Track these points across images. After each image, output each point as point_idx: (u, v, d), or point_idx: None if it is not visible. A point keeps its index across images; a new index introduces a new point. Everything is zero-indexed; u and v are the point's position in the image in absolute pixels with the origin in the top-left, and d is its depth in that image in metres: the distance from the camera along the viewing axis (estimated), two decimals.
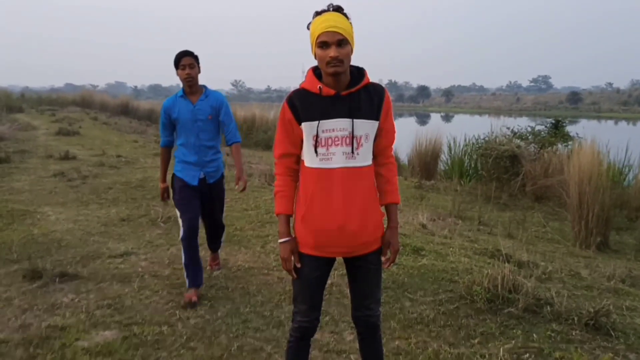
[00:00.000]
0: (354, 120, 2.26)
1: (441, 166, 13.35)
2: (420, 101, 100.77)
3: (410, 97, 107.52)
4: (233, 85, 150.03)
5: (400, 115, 58.32)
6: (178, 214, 4.02)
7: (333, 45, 2.17)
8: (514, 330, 3.45)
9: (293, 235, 2.42)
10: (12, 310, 3.80)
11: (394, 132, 2.45)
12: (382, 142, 2.41)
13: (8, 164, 10.31)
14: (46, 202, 7.22)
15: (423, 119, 49.17)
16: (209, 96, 4.05)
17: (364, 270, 2.44)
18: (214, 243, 4.59)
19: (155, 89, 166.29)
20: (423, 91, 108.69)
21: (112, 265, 4.72)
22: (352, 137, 2.26)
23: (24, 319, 3.67)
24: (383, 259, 2.45)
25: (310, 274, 2.42)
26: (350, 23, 2.24)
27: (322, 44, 2.18)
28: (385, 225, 2.46)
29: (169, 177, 4.21)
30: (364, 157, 2.31)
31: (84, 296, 4.05)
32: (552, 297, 3.76)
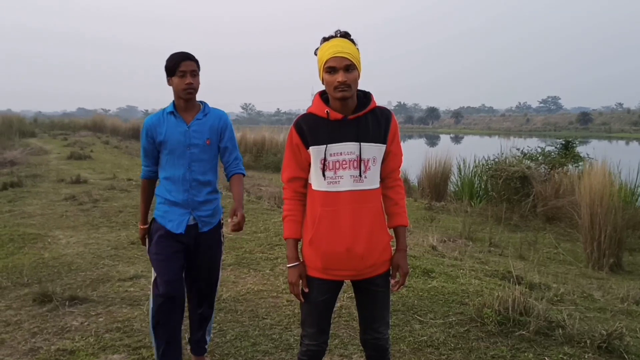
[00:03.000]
0: (362, 143, 2.28)
1: (451, 187, 13.32)
2: (430, 123, 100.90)
3: (419, 118, 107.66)
4: (243, 108, 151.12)
5: (410, 137, 58.36)
6: (153, 274, 3.02)
7: (341, 70, 2.20)
8: (526, 354, 3.40)
9: (302, 260, 2.42)
10: (22, 334, 3.80)
11: (401, 154, 2.47)
12: (390, 165, 2.43)
13: (20, 188, 10.41)
14: (57, 226, 7.27)
15: (432, 141, 49.15)
16: (208, 115, 3.03)
17: (372, 294, 2.44)
18: (198, 339, 3.30)
19: None
20: (432, 113, 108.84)
21: (121, 289, 4.72)
22: (360, 160, 2.28)
23: (34, 342, 3.68)
24: (392, 281, 2.45)
25: (318, 298, 2.41)
26: (358, 49, 2.29)
27: (330, 69, 2.22)
28: (393, 248, 2.46)
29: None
30: (372, 180, 2.32)
31: (93, 319, 4.05)
32: (564, 319, 3.71)
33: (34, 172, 12.93)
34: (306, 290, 2.38)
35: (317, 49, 2.30)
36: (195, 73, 2.90)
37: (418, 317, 4.02)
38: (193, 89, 2.90)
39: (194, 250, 3.06)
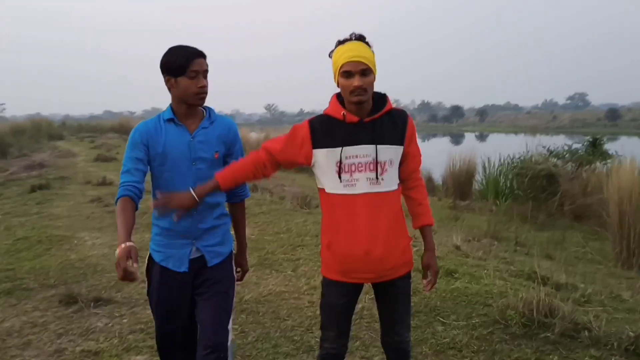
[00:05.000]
0: (378, 146, 2.26)
1: (476, 186, 13.20)
2: (454, 121, 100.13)
3: (443, 117, 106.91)
4: (266, 109, 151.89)
5: (434, 136, 57.99)
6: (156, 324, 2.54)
7: (357, 74, 2.19)
8: (550, 356, 3.34)
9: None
10: (48, 335, 3.87)
11: (420, 155, 2.46)
12: (409, 166, 2.42)
13: (48, 190, 10.60)
14: (83, 228, 7.37)
15: (457, 139, 48.75)
16: (215, 123, 2.45)
17: (393, 296, 2.42)
18: None
19: None
20: (456, 111, 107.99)
21: (145, 290, 4.76)
22: (376, 162, 2.26)
23: (59, 343, 3.73)
24: (424, 282, 2.46)
25: (337, 300, 2.41)
26: (373, 51, 2.27)
27: (346, 73, 2.20)
28: (416, 249, 2.45)
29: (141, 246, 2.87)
30: (389, 183, 2.31)
31: (117, 321, 4.10)
32: (590, 321, 3.63)
33: (62, 174, 13.15)
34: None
35: (331, 51, 2.29)
36: (207, 73, 2.37)
37: (440, 319, 3.97)
38: (206, 92, 2.37)
39: (202, 288, 2.44)
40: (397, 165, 2.35)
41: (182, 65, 2.28)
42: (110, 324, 4.04)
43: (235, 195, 2.59)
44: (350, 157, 2.26)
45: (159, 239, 2.45)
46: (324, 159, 2.29)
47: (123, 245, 2.04)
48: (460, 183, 12.72)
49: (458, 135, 59.50)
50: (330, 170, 2.28)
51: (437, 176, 14.23)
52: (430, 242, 2.46)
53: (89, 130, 36.27)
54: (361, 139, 2.26)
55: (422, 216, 2.46)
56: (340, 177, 2.26)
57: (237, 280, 2.60)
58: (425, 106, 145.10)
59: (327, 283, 2.42)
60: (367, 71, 2.20)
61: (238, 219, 2.65)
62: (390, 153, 2.30)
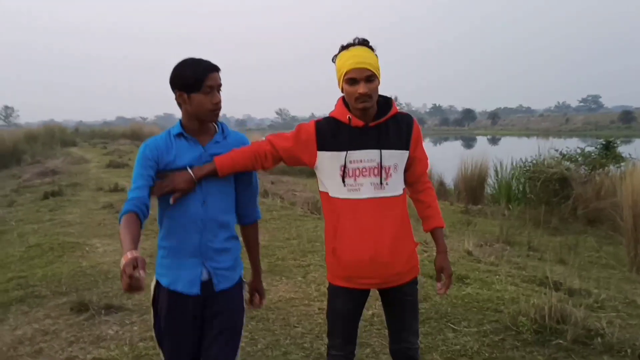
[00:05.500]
0: (382, 150, 2.25)
1: (488, 190, 13.10)
2: (466, 124, 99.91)
3: (455, 120, 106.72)
4: (277, 114, 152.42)
5: (446, 139, 57.81)
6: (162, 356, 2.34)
7: (362, 81, 2.18)
8: None
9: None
10: (59, 343, 3.88)
11: (427, 158, 2.45)
12: (417, 169, 2.42)
13: (61, 197, 10.68)
14: (95, 234, 7.41)
15: (468, 142, 48.56)
16: (228, 137, 2.33)
17: (400, 302, 2.41)
18: None
19: None
20: (468, 114, 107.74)
21: None
22: (381, 167, 2.25)
23: (70, 351, 3.75)
24: (439, 285, 2.44)
25: (344, 307, 2.40)
26: (376, 55, 2.25)
27: (350, 80, 2.20)
28: (426, 255, 2.43)
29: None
30: (394, 187, 2.29)
31: (128, 328, 4.11)
32: (604, 327, 3.59)
33: (74, 180, 13.26)
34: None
35: (335, 56, 2.28)
36: (220, 87, 2.23)
37: (451, 326, 3.94)
38: (220, 108, 2.23)
39: (210, 315, 2.26)
40: (403, 170, 2.34)
41: (198, 80, 2.14)
42: (121, 332, 4.04)
43: (246, 217, 2.41)
44: (354, 161, 2.25)
45: (167, 262, 2.26)
46: (328, 161, 2.28)
47: (129, 254, 1.87)
48: (472, 187, 12.63)
49: (470, 138, 59.30)
50: (334, 173, 2.27)
51: (449, 180, 14.14)
52: (442, 245, 2.45)
53: (101, 136, 36.59)
54: (366, 144, 2.25)
55: (433, 219, 2.45)
56: (344, 181, 2.25)
57: (257, 307, 2.50)
58: (436, 109, 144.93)
59: (333, 289, 2.41)
60: (371, 77, 2.19)
61: (251, 241, 2.47)
62: (395, 158, 2.29)
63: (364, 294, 2.40)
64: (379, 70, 2.23)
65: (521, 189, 11.93)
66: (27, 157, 19.87)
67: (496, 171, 12.96)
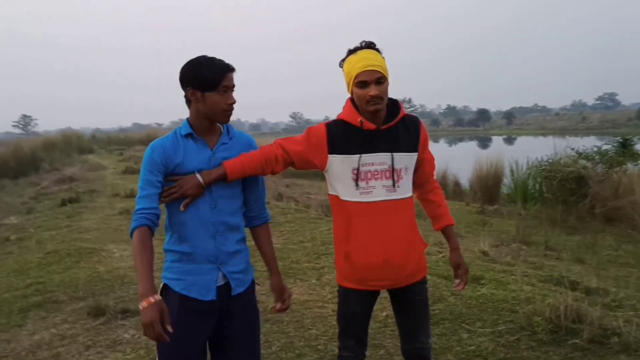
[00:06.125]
0: (394, 154, 2.26)
1: (504, 190, 13.00)
2: (481, 124, 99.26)
3: (470, 121, 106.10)
4: (292, 117, 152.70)
5: (461, 140, 57.50)
6: None
7: (372, 83, 2.18)
8: None
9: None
10: (76, 347, 3.92)
11: (434, 159, 2.49)
12: (426, 170, 2.45)
13: (78, 204, 10.82)
14: (111, 240, 7.48)
15: (484, 143, 48.25)
16: (234, 139, 2.29)
17: (411, 302, 2.42)
18: None
19: None
20: (483, 114, 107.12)
21: None
22: (393, 170, 2.25)
23: (87, 355, 3.79)
24: (456, 281, 2.48)
25: (356, 309, 2.41)
26: (384, 57, 2.26)
27: (361, 83, 2.20)
28: (441, 256, 2.44)
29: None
30: (404, 190, 2.30)
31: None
32: (620, 326, 3.54)
33: (91, 187, 13.40)
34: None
35: (342, 60, 2.29)
36: (234, 89, 2.19)
37: (466, 326, 3.92)
38: (233, 109, 2.19)
39: (227, 322, 2.21)
40: (412, 172, 2.35)
41: (216, 79, 2.08)
42: (137, 336, 4.07)
43: (256, 219, 2.37)
44: (367, 164, 2.25)
45: (178, 266, 2.17)
46: (339, 165, 2.28)
47: (152, 300, 1.87)
48: (487, 187, 12.52)
49: (485, 138, 58.91)
50: (346, 177, 2.27)
51: (464, 181, 14.05)
52: (454, 242, 2.49)
53: (118, 142, 36.90)
54: (378, 147, 2.26)
55: (443, 217, 2.48)
56: (357, 184, 2.26)
57: (285, 307, 2.41)
58: (451, 110, 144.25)
59: (344, 292, 2.42)
60: (381, 79, 2.20)
61: (264, 243, 2.40)
62: (406, 160, 2.30)
63: (374, 295, 2.41)
64: (387, 72, 2.23)
65: (537, 188, 11.83)
66: (46, 165, 20.10)
67: (512, 171, 12.86)
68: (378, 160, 2.25)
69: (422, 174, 2.43)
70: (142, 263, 1.97)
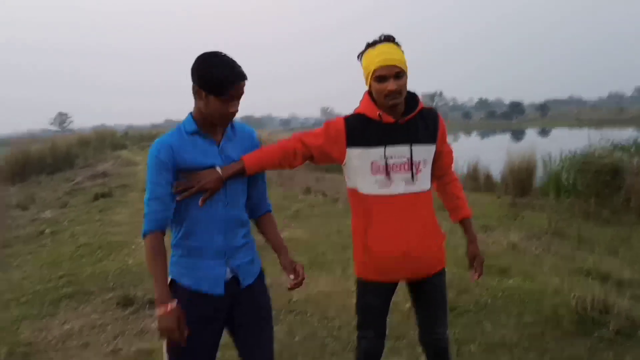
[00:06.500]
0: (413, 146, 2.25)
1: (536, 183, 12.78)
2: (514, 117, 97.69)
3: (502, 113, 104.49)
4: (322, 112, 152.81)
5: (493, 133, 56.70)
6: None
7: (391, 78, 2.17)
8: (605, 354, 3.21)
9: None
10: (105, 336, 4.02)
11: (452, 152, 2.47)
12: (444, 162, 2.44)
13: (110, 198, 11.05)
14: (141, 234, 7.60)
15: (517, 135, 47.46)
16: (236, 131, 2.24)
17: (429, 294, 2.42)
18: None
19: (248, 121, 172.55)
20: (516, 107, 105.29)
21: None
22: (411, 163, 2.25)
23: (116, 344, 3.88)
24: (471, 272, 2.48)
25: (375, 301, 2.41)
26: (403, 51, 2.24)
27: (379, 77, 2.18)
28: (444, 246, 2.45)
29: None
30: (423, 182, 2.30)
31: None
32: None
33: (123, 182, 13.66)
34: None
35: (360, 53, 2.27)
36: (241, 97, 2.11)
37: (490, 317, 3.88)
38: (234, 117, 2.14)
39: (239, 314, 2.21)
40: (430, 165, 2.34)
41: (223, 87, 2.00)
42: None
43: (259, 210, 2.35)
44: (386, 157, 2.24)
45: (186, 261, 2.15)
46: (357, 158, 2.27)
47: (169, 308, 1.93)
48: (520, 180, 12.30)
49: (518, 131, 57.90)
50: (365, 170, 2.27)
51: (496, 173, 13.84)
52: (472, 234, 2.47)
53: (150, 139, 37.42)
54: (397, 140, 2.25)
55: (461, 209, 2.47)
56: (376, 177, 2.25)
57: (298, 283, 2.27)
58: (483, 103, 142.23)
59: (363, 284, 2.42)
60: (400, 74, 2.18)
61: (269, 228, 2.36)
62: (424, 153, 2.29)
63: (393, 286, 2.42)
64: (406, 66, 2.22)
65: (571, 180, 11.60)
66: (80, 161, 20.58)
67: (545, 163, 12.63)
68: (397, 153, 2.24)
69: (441, 166, 2.42)
70: (156, 270, 2.01)
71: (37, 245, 7.50)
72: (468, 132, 64.30)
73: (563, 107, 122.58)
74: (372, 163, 2.25)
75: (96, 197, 11.02)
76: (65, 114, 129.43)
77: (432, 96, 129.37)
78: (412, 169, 2.25)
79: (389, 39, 2.24)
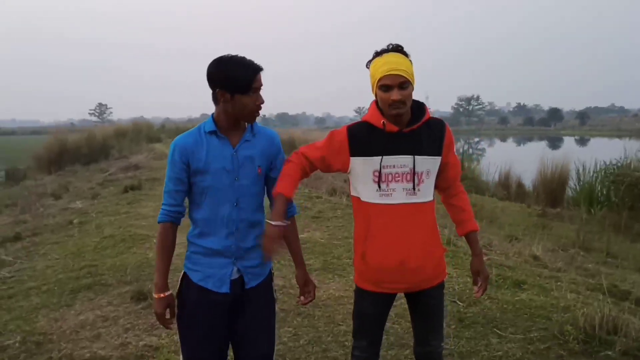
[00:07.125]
0: (415, 156, 2.24)
1: (569, 193, 12.50)
2: (552, 124, 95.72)
3: (540, 120, 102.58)
4: (356, 112, 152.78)
5: (530, 140, 55.64)
6: (182, 355, 2.38)
7: (395, 87, 2.17)
8: None
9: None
10: (116, 329, 4.10)
11: (459, 164, 2.45)
12: (450, 174, 2.41)
13: (139, 191, 11.22)
14: None
15: (554, 143, 46.43)
16: (257, 135, 2.30)
17: (426, 306, 2.41)
18: None
19: (283, 118, 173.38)
20: (555, 114, 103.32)
21: None
22: (414, 173, 2.24)
23: (125, 337, 3.95)
24: (475, 288, 2.45)
25: (370, 310, 2.42)
26: (410, 61, 2.23)
27: (384, 86, 2.18)
28: (444, 259, 2.43)
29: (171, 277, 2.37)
30: (425, 193, 2.29)
31: None
32: None
33: (154, 175, 13.87)
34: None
35: (369, 61, 2.28)
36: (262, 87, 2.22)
37: (497, 331, 3.82)
38: (261, 109, 2.23)
39: (242, 313, 2.31)
40: (434, 176, 2.33)
41: (247, 82, 2.13)
42: (172, 323, 4.20)
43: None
44: (387, 166, 2.25)
45: (198, 258, 2.29)
46: (360, 167, 2.28)
47: (163, 295, 2.27)
48: (551, 190, 12.09)
49: (555, 139, 56.71)
50: (367, 179, 2.27)
51: (528, 182, 13.59)
52: (477, 248, 2.44)
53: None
54: (400, 149, 2.25)
55: (467, 222, 2.44)
56: (378, 186, 2.25)
57: (310, 299, 2.46)
58: (521, 109, 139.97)
59: (360, 292, 2.43)
60: (405, 84, 2.17)
61: (289, 236, 2.38)
62: (428, 164, 2.28)
63: (390, 297, 2.42)
64: (413, 76, 2.21)
65: (604, 192, 11.31)
66: (115, 152, 21.01)
67: (578, 173, 12.35)
68: (399, 162, 2.24)
69: (446, 178, 2.39)
70: (161, 260, 2.30)
71: (64, 234, 7.71)
72: (504, 138, 63.26)
73: (604, 115, 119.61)
74: (373, 171, 2.25)
75: (126, 190, 11.21)
76: (105, 105, 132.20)
77: (468, 100, 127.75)
78: (414, 179, 2.24)
79: (396, 48, 2.24)
